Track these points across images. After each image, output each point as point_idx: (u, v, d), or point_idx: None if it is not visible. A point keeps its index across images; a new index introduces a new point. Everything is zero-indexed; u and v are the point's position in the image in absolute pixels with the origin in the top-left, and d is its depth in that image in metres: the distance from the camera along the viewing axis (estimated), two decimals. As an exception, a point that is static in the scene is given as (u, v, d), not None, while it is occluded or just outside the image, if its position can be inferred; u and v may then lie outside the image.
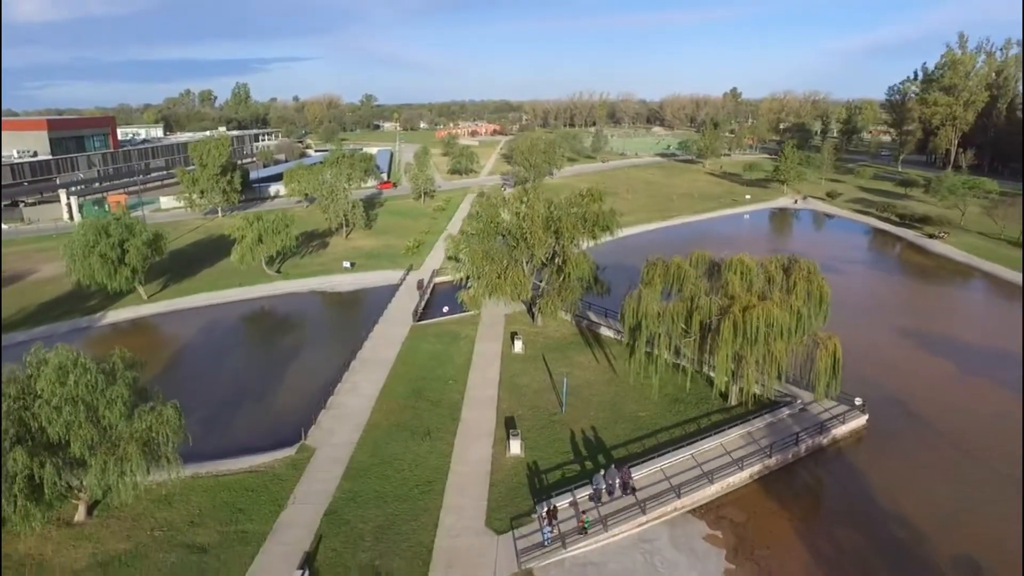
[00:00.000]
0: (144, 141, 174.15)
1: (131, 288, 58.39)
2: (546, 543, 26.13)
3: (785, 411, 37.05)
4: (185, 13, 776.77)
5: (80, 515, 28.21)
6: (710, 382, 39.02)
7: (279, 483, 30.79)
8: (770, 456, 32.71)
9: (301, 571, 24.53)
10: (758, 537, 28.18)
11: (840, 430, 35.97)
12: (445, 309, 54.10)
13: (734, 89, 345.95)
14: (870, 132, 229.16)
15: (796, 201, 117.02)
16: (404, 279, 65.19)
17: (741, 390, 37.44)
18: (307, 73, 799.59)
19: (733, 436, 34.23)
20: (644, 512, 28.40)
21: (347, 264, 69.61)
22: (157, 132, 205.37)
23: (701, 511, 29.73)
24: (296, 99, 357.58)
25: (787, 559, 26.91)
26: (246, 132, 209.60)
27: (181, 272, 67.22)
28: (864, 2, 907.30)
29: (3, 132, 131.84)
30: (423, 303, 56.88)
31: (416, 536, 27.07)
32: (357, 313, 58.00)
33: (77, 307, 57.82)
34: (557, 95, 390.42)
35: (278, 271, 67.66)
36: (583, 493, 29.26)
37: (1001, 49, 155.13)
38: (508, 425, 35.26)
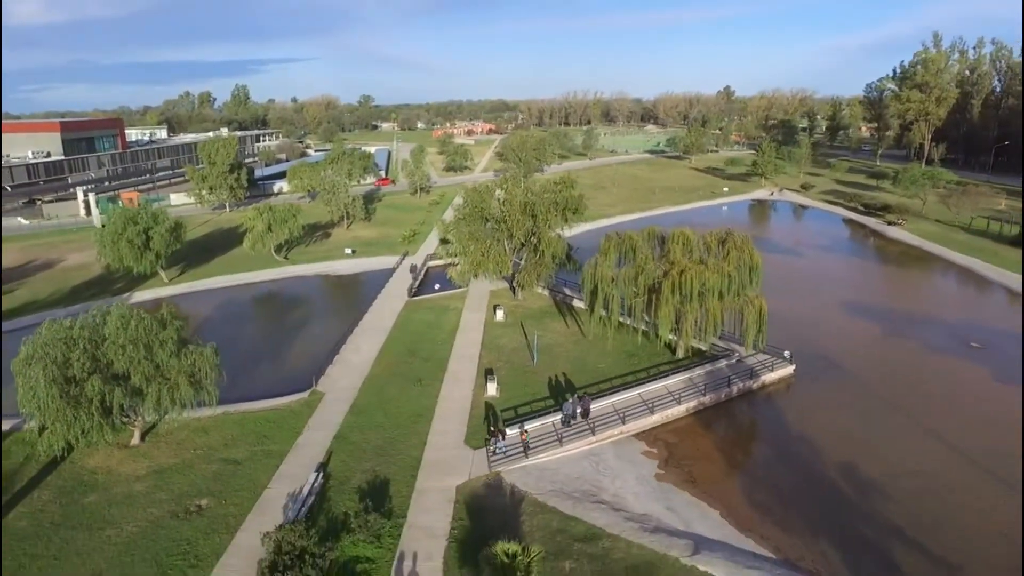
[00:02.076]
0: (150, 142, 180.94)
1: (154, 272, 64.80)
2: (497, 451, 32.40)
3: (723, 362, 43.60)
4: (181, 15, 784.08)
5: (135, 440, 34.65)
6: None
7: (296, 417, 37.25)
8: (704, 394, 39.22)
9: (316, 473, 31.01)
10: (686, 452, 34.71)
11: (769, 376, 42.46)
12: (437, 286, 60.62)
13: (727, 87, 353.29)
14: (860, 128, 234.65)
15: (772, 193, 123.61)
16: (400, 263, 71.68)
17: (687, 346, 43.96)
18: (304, 74, 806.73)
19: (675, 380, 40.71)
20: (594, 433, 34.90)
21: (348, 251, 76.13)
22: (162, 133, 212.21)
23: (642, 435, 36.20)
24: (294, 100, 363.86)
25: (707, 466, 33.43)
26: (247, 133, 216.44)
27: (197, 260, 73.70)
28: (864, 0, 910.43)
29: (20, 134, 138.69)
30: (417, 282, 63.41)
31: (408, 451, 33.54)
32: (358, 292, 64.48)
33: (106, 289, 64.19)
34: (554, 94, 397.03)
35: (285, 257, 74.14)
36: (531, 424, 35.17)
37: (974, 48, 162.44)
38: (487, 373, 41.70)
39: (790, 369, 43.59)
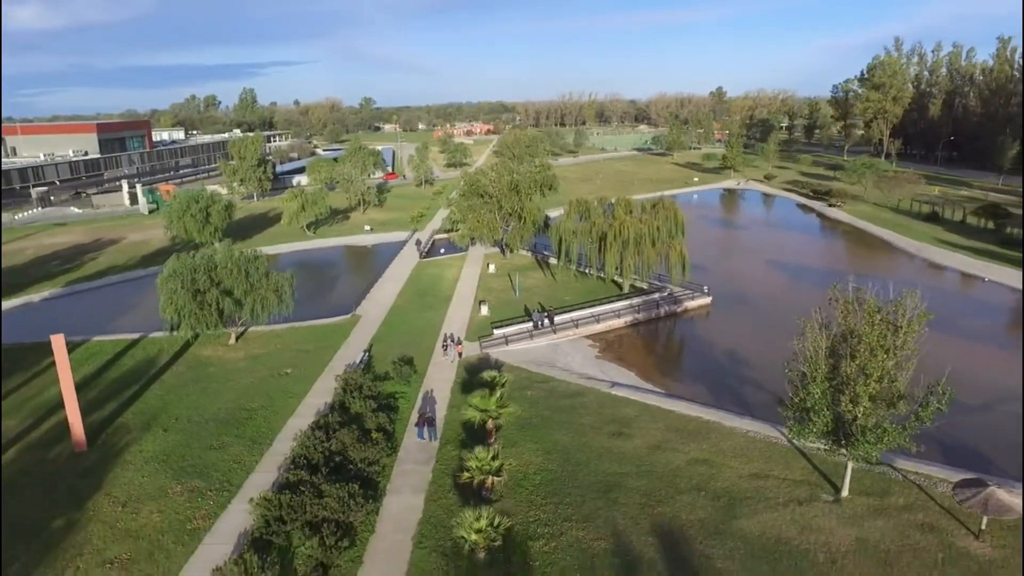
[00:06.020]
0: (173, 142, 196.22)
1: (211, 243, 79.33)
2: (447, 356, 46.24)
3: (657, 295, 58.20)
4: (178, 18, 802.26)
5: (231, 341, 49.17)
6: (614, 283, 60.23)
7: (343, 329, 51.78)
8: (639, 313, 53.80)
9: (364, 352, 45.57)
10: (619, 345, 49.33)
11: (690, 304, 57.05)
12: (442, 250, 75.37)
13: (719, 88, 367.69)
14: (842, 127, 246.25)
15: (739, 184, 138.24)
16: (411, 238, 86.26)
17: (629, 282, 58.54)
18: (304, 77, 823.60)
19: (619, 305, 55.24)
20: (555, 333, 49.46)
21: (367, 228, 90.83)
22: (179, 135, 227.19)
23: (590, 336, 50.77)
24: (297, 103, 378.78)
25: (631, 351, 48.09)
26: (259, 134, 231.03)
27: (239, 237, 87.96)
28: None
29: (61, 135, 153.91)
30: (426, 249, 78.04)
31: (424, 343, 48.05)
32: (378, 257, 79.11)
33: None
34: (550, 96, 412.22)
35: (314, 233, 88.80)
36: (511, 328, 49.71)
37: (932, 51, 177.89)
38: (480, 302, 56.21)
39: (708, 299, 58.16)
